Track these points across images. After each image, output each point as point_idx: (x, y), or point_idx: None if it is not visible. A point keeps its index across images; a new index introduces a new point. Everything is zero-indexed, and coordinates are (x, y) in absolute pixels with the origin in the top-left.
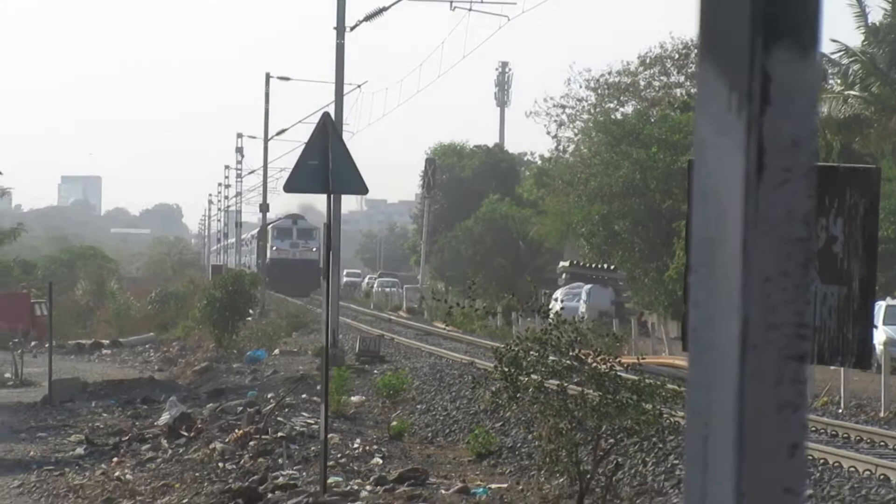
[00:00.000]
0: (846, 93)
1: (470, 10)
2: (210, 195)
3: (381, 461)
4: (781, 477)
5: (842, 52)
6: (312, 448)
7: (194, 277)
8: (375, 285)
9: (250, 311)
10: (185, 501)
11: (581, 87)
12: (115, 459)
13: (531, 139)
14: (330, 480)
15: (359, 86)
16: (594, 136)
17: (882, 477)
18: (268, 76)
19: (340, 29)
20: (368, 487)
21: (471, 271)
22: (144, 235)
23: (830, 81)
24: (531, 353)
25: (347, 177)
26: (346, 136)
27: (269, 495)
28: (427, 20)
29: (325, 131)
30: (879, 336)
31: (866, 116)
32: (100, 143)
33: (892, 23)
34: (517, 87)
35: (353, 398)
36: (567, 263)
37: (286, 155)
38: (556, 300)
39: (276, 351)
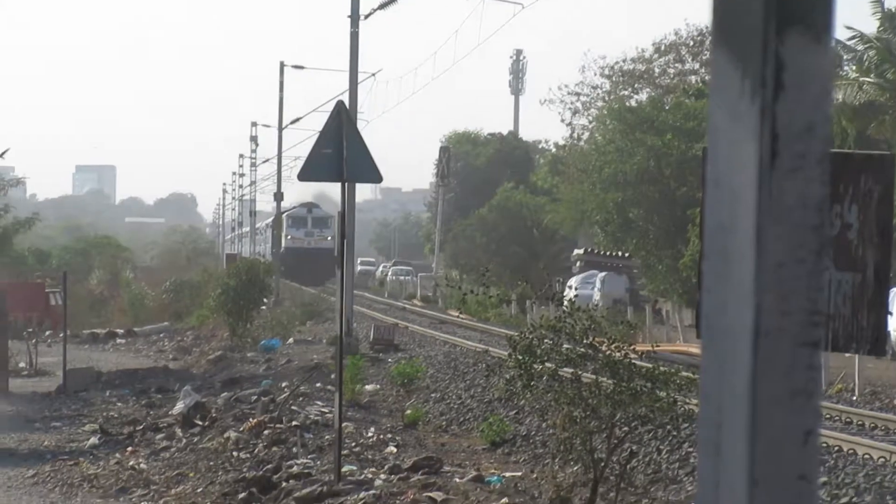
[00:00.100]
0: (861, 79)
1: None
2: (224, 184)
3: (395, 450)
4: (795, 464)
5: (857, 39)
6: (327, 437)
7: (209, 266)
8: (390, 274)
9: (264, 299)
10: (199, 490)
11: (596, 74)
12: (129, 449)
13: (545, 127)
14: (344, 469)
15: (373, 74)
16: (609, 123)
17: None
18: (282, 65)
19: (355, 17)
20: (383, 476)
21: (485, 259)
22: (159, 224)
23: (845, 68)
24: (545, 340)
25: (362, 165)
26: (360, 125)
27: (284, 484)
28: (441, 8)
29: (339, 120)
30: (894, 323)
31: (881, 103)
32: (114, 133)
33: None
34: (531, 74)
35: (367, 387)
36: (581, 251)
37: (300, 143)
38: (570, 288)
39: (291, 340)
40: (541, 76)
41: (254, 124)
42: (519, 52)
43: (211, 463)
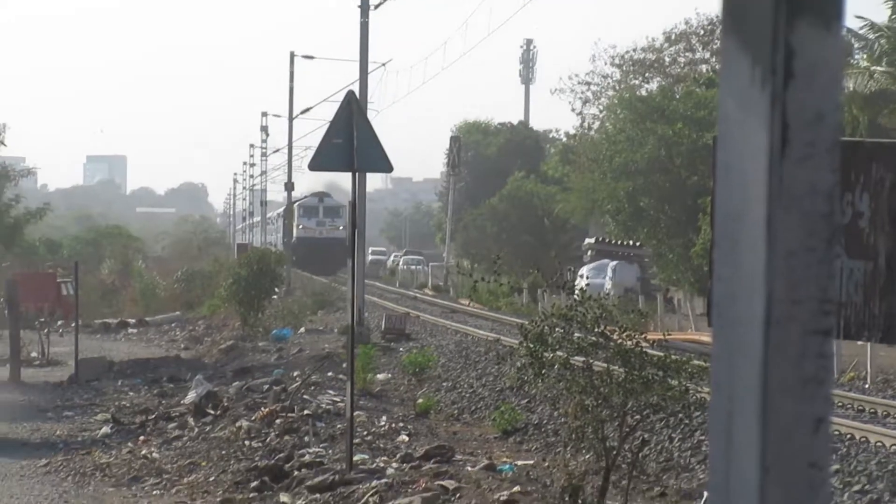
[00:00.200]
0: (872, 68)
1: None
2: (235, 174)
3: (407, 438)
4: (806, 452)
5: (867, 27)
6: (338, 426)
7: (220, 256)
8: (401, 263)
9: (276, 289)
10: (211, 479)
11: (606, 63)
12: (141, 438)
13: (556, 116)
14: (356, 458)
15: (383, 64)
16: (619, 112)
17: None
18: (292, 55)
19: (365, 7)
20: (394, 465)
21: (496, 249)
22: (170, 214)
23: (856, 57)
24: (557, 329)
25: (372, 155)
26: (370, 115)
27: (296, 473)
28: None
29: (349, 109)
30: None
31: (892, 91)
32: (125, 123)
33: None
34: (542, 64)
35: (378, 376)
36: (592, 240)
37: (311, 133)
38: (581, 277)
39: (302, 329)
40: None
41: (264, 114)
42: (529, 42)
43: (223, 452)
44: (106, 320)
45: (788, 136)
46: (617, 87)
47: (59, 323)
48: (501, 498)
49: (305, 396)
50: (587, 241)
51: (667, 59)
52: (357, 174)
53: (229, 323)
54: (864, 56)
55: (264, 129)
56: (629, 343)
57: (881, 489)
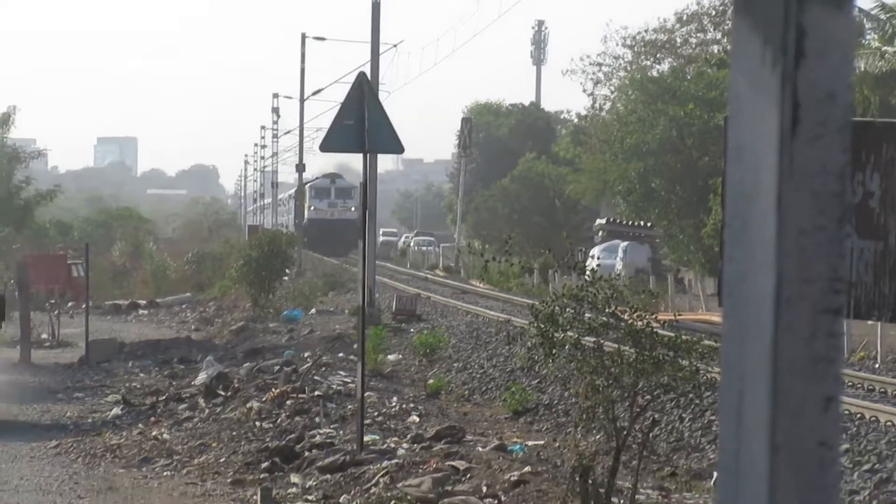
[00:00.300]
0: (883, 48)
1: None
2: (246, 156)
3: (417, 419)
4: (816, 431)
5: (879, 8)
6: (349, 406)
7: (230, 238)
8: (412, 244)
9: (287, 270)
10: (222, 460)
11: (617, 44)
12: (151, 419)
13: (567, 97)
14: (367, 438)
15: (395, 45)
16: (630, 93)
17: None
18: (304, 36)
19: None
20: (405, 445)
21: (507, 230)
22: (181, 196)
23: (868, 37)
24: (567, 310)
25: (383, 136)
26: (382, 96)
27: (306, 454)
28: None
29: (361, 91)
30: None
31: None
32: (136, 105)
33: None
34: (553, 45)
35: (389, 357)
36: (604, 221)
37: (322, 115)
38: (592, 257)
39: (313, 310)
40: (562, 47)
41: (275, 96)
42: (541, 23)
43: (234, 433)
44: (116, 302)
45: (799, 115)
46: (628, 68)
47: (70, 304)
48: (512, 478)
49: (316, 377)
50: (598, 221)
51: (678, 40)
52: (368, 155)
53: (240, 304)
54: (876, 36)
55: (275, 110)
56: (640, 323)
57: (891, 468)
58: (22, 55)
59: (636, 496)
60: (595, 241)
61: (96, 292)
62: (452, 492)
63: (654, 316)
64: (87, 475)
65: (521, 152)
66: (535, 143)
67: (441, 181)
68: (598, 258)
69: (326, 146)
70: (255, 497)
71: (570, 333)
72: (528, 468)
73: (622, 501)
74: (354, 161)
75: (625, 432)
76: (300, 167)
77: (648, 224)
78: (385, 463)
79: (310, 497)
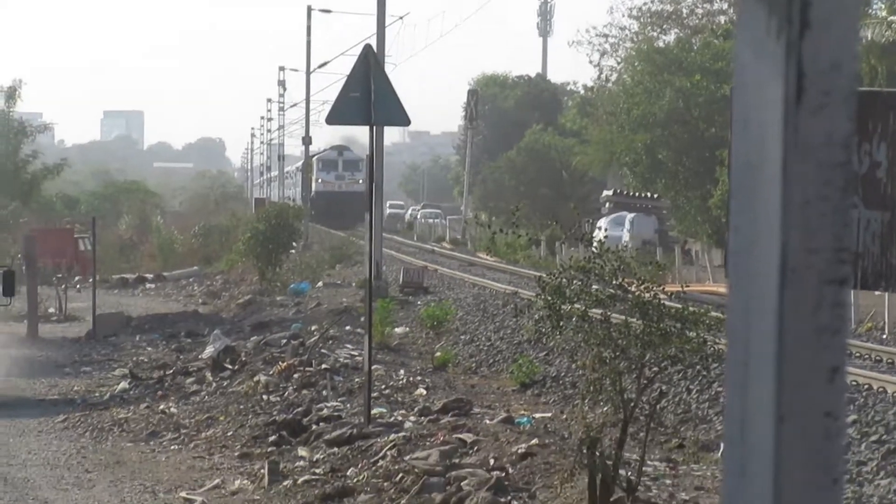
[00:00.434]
0: (890, 18)
1: None
2: (253, 129)
3: (425, 392)
4: (821, 401)
5: None
6: (356, 380)
7: (237, 211)
8: (419, 217)
9: (294, 243)
10: (229, 434)
11: (624, 15)
12: (159, 393)
13: (574, 69)
14: (374, 411)
15: (401, 17)
16: (637, 65)
17: None
18: (309, 9)
19: None
20: (412, 418)
21: (514, 201)
22: (187, 169)
23: (874, 7)
24: (574, 282)
25: (390, 108)
26: (388, 68)
27: (314, 427)
28: None
29: (366, 63)
30: None
31: None
32: (142, 78)
33: None
34: (560, 16)
35: (396, 329)
36: (611, 192)
37: (328, 88)
38: (599, 229)
39: (320, 283)
40: (569, 18)
41: (281, 69)
42: None
43: (241, 406)
44: (123, 275)
45: (804, 85)
46: (635, 39)
47: (77, 279)
48: (519, 451)
49: (323, 350)
50: (605, 193)
51: (685, 11)
52: (374, 128)
53: (247, 277)
54: (883, 6)
55: (282, 83)
56: (647, 295)
57: None
58: (28, 28)
59: (644, 468)
60: (602, 212)
61: (103, 266)
62: (460, 464)
63: (661, 287)
64: (94, 449)
65: (528, 124)
66: (541, 114)
67: (448, 153)
68: (605, 230)
69: (333, 119)
70: (262, 470)
71: (577, 305)
72: (535, 440)
73: (630, 473)
74: (361, 134)
75: (632, 404)
76: (306, 140)
77: (655, 195)
78: (392, 436)
79: (317, 470)
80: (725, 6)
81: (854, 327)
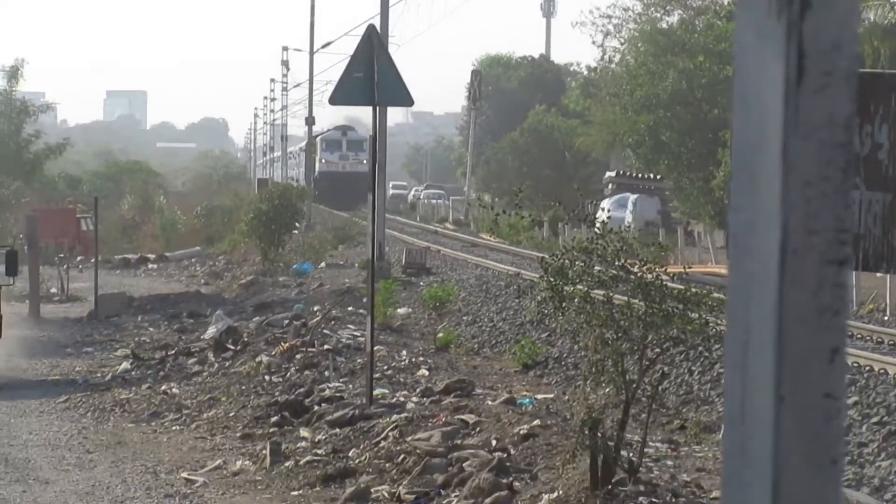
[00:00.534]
0: (892, 0)
1: None
2: (256, 109)
3: (427, 373)
4: (821, 382)
5: None
6: (359, 360)
7: (240, 191)
8: (422, 197)
9: (297, 224)
10: (231, 414)
11: None
12: (161, 373)
13: (577, 50)
14: (376, 392)
15: None
16: (640, 46)
17: None
18: None
19: None
20: (415, 399)
21: (517, 182)
22: (190, 150)
23: None
24: (577, 263)
25: (393, 89)
26: (391, 49)
27: (316, 408)
28: None
29: (370, 43)
30: None
31: None
32: (145, 58)
33: None
34: None
35: (399, 310)
36: (614, 174)
37: (332, 68)
38: (602, 210)
39: (323, 264)
40: None
41: (285, 49)
42: None
43: (243, 387)
44: (126, 256)
45: (805, 65)
46: (638, 20)
47: (79, 259)
48: (521, 432)
49: (326, 331)
50: (608, 174)
51: None
52: (377, 108)
53: (250, 258)
54: None
55: (285, 63)
56: (649, 276)
57: None
58: (31, 7)
59: (645, 449)
60: (605, 193)
61: (105, 246)
62: (462, 445)
63: (663, 269)
64: (96, 430)
65: (531, 105)
66: (544, 95)
67: (451, 134)
68: (608, 211)
69: (336, 99)
70: (264, 451)
71: (579, 287)
72: (537, 421)
73: (631, 454)
74: (364, 114)
75: (634, 385)
76: (309, 120)
77: (658, 177)
78: (394, 417)
79: (319, 451)
80: None
81: (855, 309)
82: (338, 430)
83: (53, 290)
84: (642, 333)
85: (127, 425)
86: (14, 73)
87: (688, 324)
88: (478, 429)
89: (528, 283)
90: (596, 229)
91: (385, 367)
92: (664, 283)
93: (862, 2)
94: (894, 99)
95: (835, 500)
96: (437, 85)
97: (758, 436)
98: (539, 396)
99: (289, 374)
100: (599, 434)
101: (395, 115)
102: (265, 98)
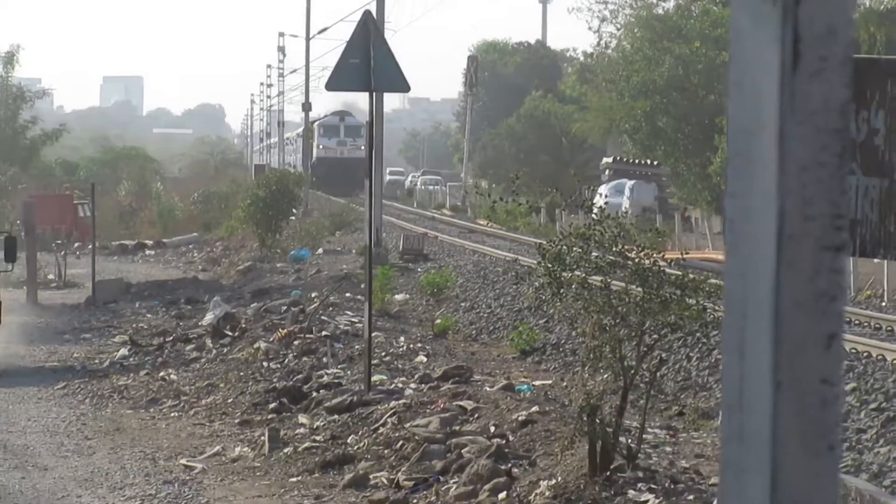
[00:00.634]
0: None
1: None
2: (252, 95)
3: (425, 359)
4: (818, 368)
5: None
6: (357, 347)
7: (237, 177)
8: (419, 183)
9: (294, 210)
10: (229, 401)
11: None
12: (159, 360)
13: (573, 35)
14: (374, 378)
15: None
16: (636, 31)
17: None
18: None
19: None
20: (413, 385)
21: (514, 168)
22: (187, 136)
23: None
24: (575, 249)
25: (389, 75)
26: (387, 34)
27: (314, 394)
28: None
29: (366, 29)
30: None
31: None
32: (142, 44)
33: None
34: None
35: (396, 297)
36: (610, 160)
37: (328, 54)
38: (599, 196)
39: (320, 250)
40: None
41: (281, 34)
42: None
43: (241, 373)
44: (123, 242)
45: (800, 50)
46: (634, 6)
47: (76, 245)
48: (519, 418)
49: (323, 317)
50: (605, 160)
51: None
52: (374, 94)
53: (247, 244)
54: None
55: (281, 49)
56: (647, 262)
57: None
58: None
59: (644, 435)
60: (602, 179)
61: (103, 232)
62: (460, 432)
63: (661, 254)
64: (94, 416)
65: (528, 91)
66: (541, 81)
67: (448, 120)
68: (605, 196)
69: (332, 85)
70: (262, 437)
71: (577, 273)
72: (535, 408)
73: (630, 441)
74: (361, 100)
75: (632, 371)
76: (306, 106)
77: (655, 163)
78: (392, 403)
79: (317, 437)
80: None
81: (853, 295)
82: (336, 416)
83: (51, 277)
84: (640, 319)
85: (125, 412)
86: (10, 59)
87: (685, 310)
88: (476, 415)
89: (525, 269)
90: (593, 215)
91: (383, 354)
92: (662, 269)
93: None
94: (890, 84)
95: (832, 486)
96: (434, 71)
97: (755, 422)
98: (537, 383)
99: (287, 360)
100: (598, 420)
101: (391, 100)
102: (262, 84)
